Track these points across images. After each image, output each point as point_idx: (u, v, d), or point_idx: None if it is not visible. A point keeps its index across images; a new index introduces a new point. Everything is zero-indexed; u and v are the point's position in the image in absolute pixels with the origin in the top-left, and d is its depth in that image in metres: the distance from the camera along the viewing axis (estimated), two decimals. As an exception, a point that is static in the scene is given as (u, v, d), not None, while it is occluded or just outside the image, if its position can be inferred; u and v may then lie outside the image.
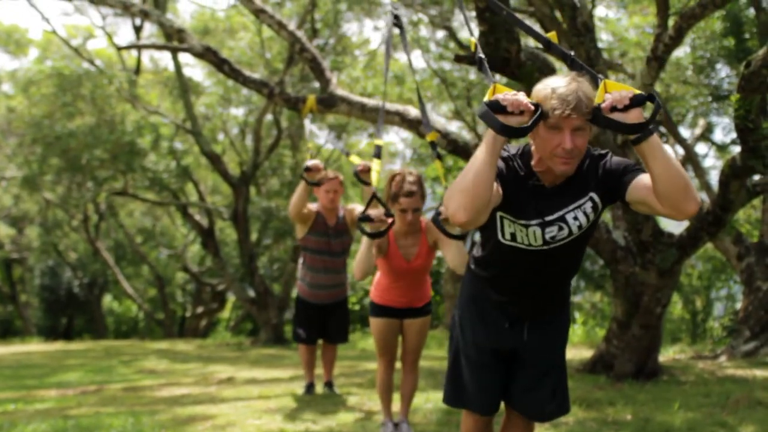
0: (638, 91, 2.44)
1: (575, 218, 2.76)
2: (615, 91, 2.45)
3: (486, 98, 2.49)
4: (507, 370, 3.11)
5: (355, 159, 5.38)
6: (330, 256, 6.39)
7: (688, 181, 2.48)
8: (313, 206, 6.33)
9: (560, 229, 2.77)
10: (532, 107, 2.49)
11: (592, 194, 2.76)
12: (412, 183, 4.45)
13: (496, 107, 2.45)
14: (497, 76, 7.83)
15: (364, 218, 4.18)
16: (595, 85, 2.53)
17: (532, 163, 2.78)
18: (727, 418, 5.22)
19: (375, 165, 4.32)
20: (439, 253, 4.98)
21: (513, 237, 2.83)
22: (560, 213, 2.76)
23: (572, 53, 2.73)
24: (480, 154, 2.50)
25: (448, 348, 3.28)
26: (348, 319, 6.85)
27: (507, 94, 2.49)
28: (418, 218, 4.56)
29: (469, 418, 3.21)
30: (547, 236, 2.78)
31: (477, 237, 3.13)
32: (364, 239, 4.35)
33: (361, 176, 5.12)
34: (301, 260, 6.59)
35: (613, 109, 2.43)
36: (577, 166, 2.73)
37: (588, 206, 2.77)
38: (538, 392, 3.08)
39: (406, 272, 4.71)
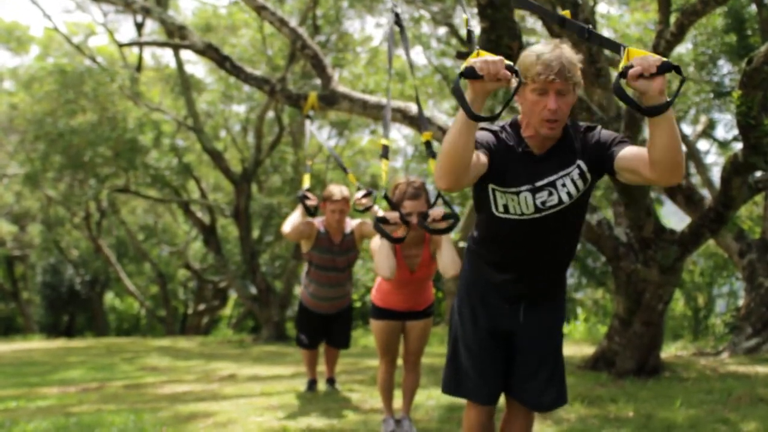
0: (665, 59, 2.46)
1: (563, 185, 2.85)
2: (641, 57, 2.46)
3: (463, 65, 2.50)
4: (506, 358, 3.14)
5: (353, 178, 5.38)
6: (335, 272, 6.26)
7: (683, 156, 2.59)
8: (316, 221, 6.10)
9: (550, 194, 2.85)
10: (510, 74, 2.50)
11: (580, 162, 2.86)
12: (416, 188, 4.46)
13: (473, 75, 2.48)
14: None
15: (381, 220, 4.18)
16: (618, 54, 2.55)
17: (521, 131, 2.90)
18: (729, 414, 5.22)
19: (383, 165, 4.32)
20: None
21: (506, 209, 2.91)
22: (550, 179, 2.85)
23: (589, 26, 2.78)
24: (456, 123, 2.56)
25: (448, 337, 3.31)
26: (350, 325, 6.79)
27: (487, 58, 2.48)
28: None
29: (470, 411, 3.22)
30: (538, 202, 2.85)
31: (475, 233, 3.17)
32: (383, 241, 4.33)
33: (360, 207, 5.00)
34: (305, 270, 6.47)
35: (640, 76, 2.46)
36: (565, 135, 2.88)
37: (575, 173, 2.86)
38: (535, 379, 3.11)
39: (409, 282, 4.73)
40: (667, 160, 2.56)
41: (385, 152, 4.34)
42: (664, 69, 2.44)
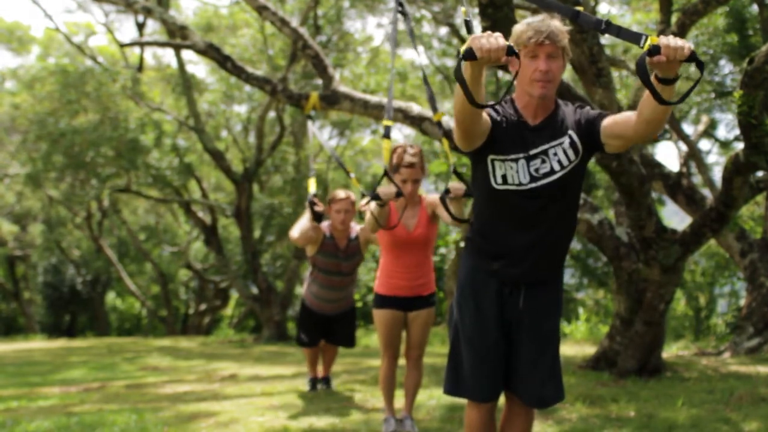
0: (692, 49, 2.55)
1: (555, 154, 3.03)
2: (667, 42, 2.53)
3: (464, 47, 2.59)
4: (506, 354, 3.17)
5: (355, 182, 5.42)
6: (339, 276, 6.27)
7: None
8: (323, 225, 6.10)
9: (543, 162, 3.03)
10: (504, 53, 2.56)
11: (571, 133, 3.05)
12: (412, 155, 4.61)
13: (471, 56, 2.59)
14: (500, 73, 7.79)
15: (373, 197, 4.25)
16: (638, 44, 2.63)
17: (516, 103, 3.11)
18: (731, 414, 5.22)
19: (384, 144, 4.39)
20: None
21: (504, 179, 3.04)
22: (543, 147, 3.04)
23: (606, 19, 2.87)
24: (459, 98, 2.73)
25: (448, 337, 3.32)
26: (354, 326, 6.77)
27: (490, 45, 2.54)
28: (417, 189, 4.71)
29: (471, 410, 3.24)
30: (532, 170, 3.02)
31: (474, 220, 3.27)
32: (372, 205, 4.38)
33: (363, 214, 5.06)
34: (309, 271, 6.49)
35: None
36: (557, 109, 3.09)
37: (566, 143, 3.04)
38: (536, 370, 3.15)
39: (407, 243, 4.80)
40: (659, 118, 2.79)
41: (387, 132, 4.44)
42: (689, 60, 2.57)
